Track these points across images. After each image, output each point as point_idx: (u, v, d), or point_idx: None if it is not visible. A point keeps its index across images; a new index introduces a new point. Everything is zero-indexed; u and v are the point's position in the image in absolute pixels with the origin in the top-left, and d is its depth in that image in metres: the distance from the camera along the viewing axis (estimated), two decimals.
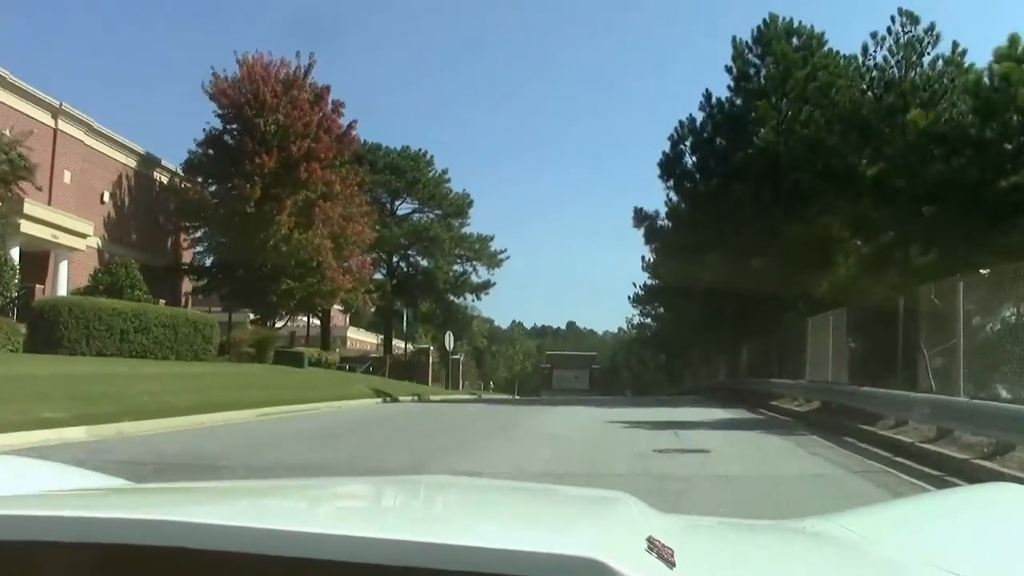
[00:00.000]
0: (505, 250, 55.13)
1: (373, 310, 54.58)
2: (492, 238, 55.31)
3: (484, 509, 1.38)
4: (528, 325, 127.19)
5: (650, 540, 0.98)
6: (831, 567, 1.20)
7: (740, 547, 1.32)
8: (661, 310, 48.39)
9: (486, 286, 54.12)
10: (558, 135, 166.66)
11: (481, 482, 2.42)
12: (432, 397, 28.41)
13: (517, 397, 51.24)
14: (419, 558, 0.83)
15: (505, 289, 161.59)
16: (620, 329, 78.66)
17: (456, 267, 54.29)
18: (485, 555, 0.84)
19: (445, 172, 55.51)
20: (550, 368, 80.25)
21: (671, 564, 0.92)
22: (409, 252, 54.02)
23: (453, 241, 53.15)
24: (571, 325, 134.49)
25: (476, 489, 1.74)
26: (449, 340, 39.52)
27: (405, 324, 49.56)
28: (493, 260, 54.68)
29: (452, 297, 53.97)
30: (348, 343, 79.20)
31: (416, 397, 26.29)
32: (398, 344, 57.61)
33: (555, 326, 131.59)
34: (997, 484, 2.34)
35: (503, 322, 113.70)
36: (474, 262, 54.96)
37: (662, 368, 67.88)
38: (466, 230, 54.77)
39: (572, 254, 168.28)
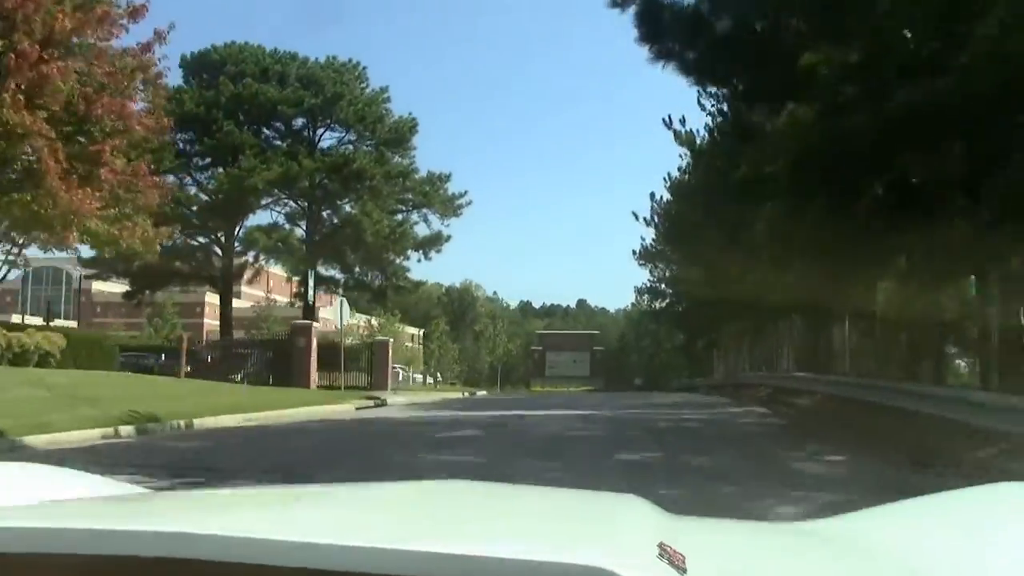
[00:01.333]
0: (465, 193, 40.34)
1: (290, 269, 39.36)
2: (448, 177, 40.56)
3: (484, 514, 1.35)
4: (537, 304, 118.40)
5: (661, 546, 0.95)
6: (841, 569, 1.20)
7: (752, 550, 1.28)
8: (675, 269, 33.49)
9: (436, 241, 39.25)
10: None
11: (484, 486, 1.91)
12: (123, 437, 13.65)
13: (470, 396, 36.49)
14: (409, 567, 0.80)
15: (511, 266, 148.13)
16: (632, 304, 63.55)
17: (399, 216, 39.48)
18: (482, 565, 0.80)
19: (384, 91, 40.70)
20: (542, 351, 65.33)
21: (683, 571, 0.89)
22: (338, 199, 39.16)
23: (388, 178, 38.33)
24: (582, 303, 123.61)
25: (478, 493, 1.64)
26: (341, 310, 24.76)
27: (309, 291, 34.83)
28: (448, 207, 39.82)
29: (392, 256, 39.04)
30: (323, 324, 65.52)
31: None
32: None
33: (564, 304, 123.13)
34: (1011, 484, 1.77)
35: (510, 301, 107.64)
36: (423, 209, 40.16)
37: (681, 350, 52.92)
38: (414, 169, 40.01)
39: (581, 223, 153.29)
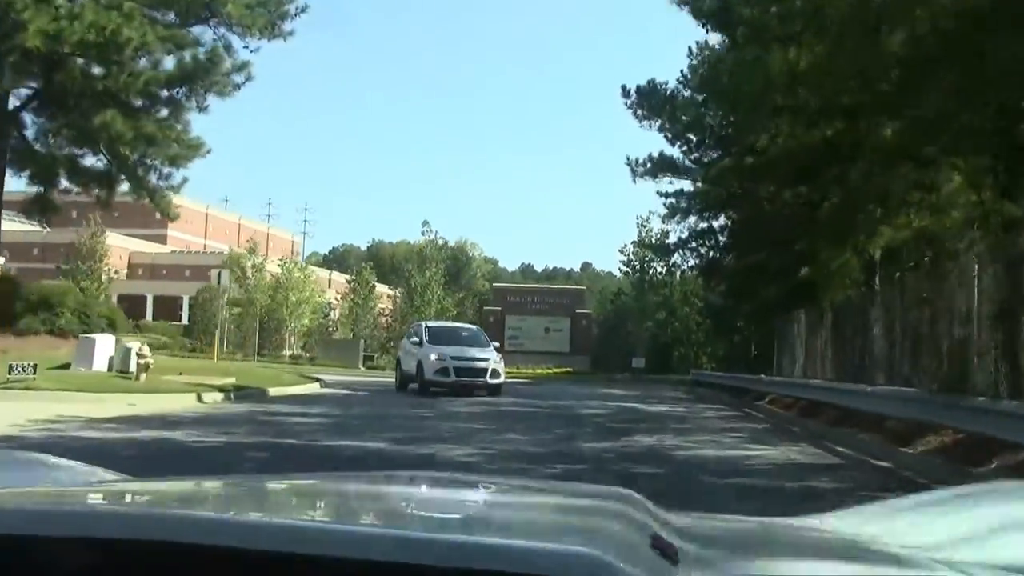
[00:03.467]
0: None
1: None
2: None
3: (483, 505, 1.38)
4: (539, 267, 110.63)
5: (654, 537, 0.97)
6: (837, 564, 1.20)
7: (745, 544, 1.31)
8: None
9: (211, 70, 18.95)
10: None
11: (480, 479, 2.18)
12: None
13: (222, 401, 15.86)
14: (410, 553, 0.80)
15: (514, 227, 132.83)
16: (634, 242, 43.01)
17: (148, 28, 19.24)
18: (482, 550, 0.82)
19: None
20: (500, 313, 45.21)
21: (675, 562, 0.91)
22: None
23: None
24: (586, 267, 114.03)
25: (475, 487, 1.71)
26: None
27: None
28: (255, 17, 19.65)
29: (125, 96, 18.72)
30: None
31: None
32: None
33: (567, 268, 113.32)
34: (1007, 481, 2.22)
35: (510, 264, 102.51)
36: (216, 24, 20.00)
37: (715, 316, 32.78)
38: None
39: (582, 182, 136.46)
